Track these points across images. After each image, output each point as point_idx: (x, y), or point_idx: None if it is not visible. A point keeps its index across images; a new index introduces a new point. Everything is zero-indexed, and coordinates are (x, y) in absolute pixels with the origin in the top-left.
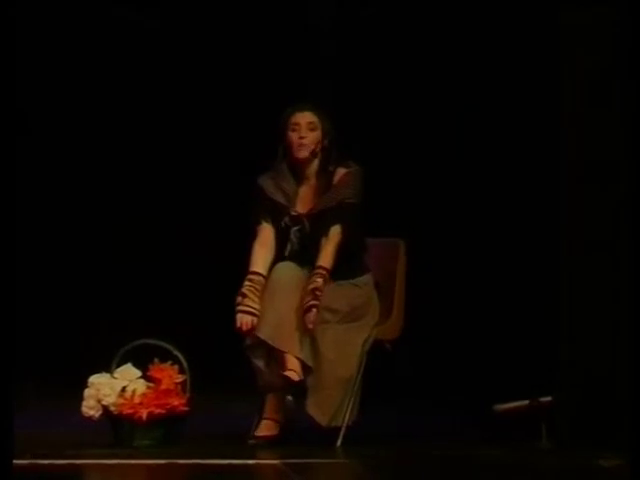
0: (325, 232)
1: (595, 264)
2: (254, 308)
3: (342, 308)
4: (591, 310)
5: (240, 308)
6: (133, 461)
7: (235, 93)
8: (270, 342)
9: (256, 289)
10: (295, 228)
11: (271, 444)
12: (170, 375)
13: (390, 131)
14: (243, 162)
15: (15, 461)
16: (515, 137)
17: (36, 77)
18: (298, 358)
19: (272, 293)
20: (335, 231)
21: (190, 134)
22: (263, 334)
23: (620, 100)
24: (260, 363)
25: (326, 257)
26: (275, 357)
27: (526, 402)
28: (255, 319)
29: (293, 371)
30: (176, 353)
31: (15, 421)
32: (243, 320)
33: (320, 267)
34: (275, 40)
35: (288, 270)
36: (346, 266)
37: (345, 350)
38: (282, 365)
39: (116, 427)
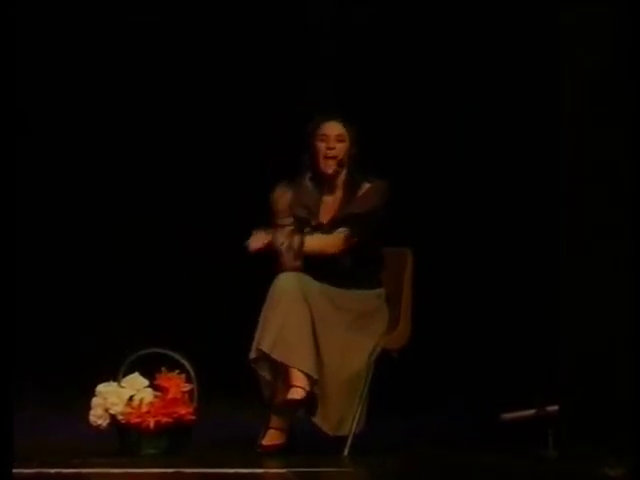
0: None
1: (595, 264)
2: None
3: (353, 310)
4: (592, 310)
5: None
6: (140, 470)
7: (235, 93)
8: (271, 354)
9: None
10: None
11: (278, 453)
12: (177, 384)
13: (391, 133)
14: (243, 162)
15: (22, 470)
16: (515, 138)
17: (36, 77)
18: (302, 371)
19: (275, 303)
20: (345, 241)
21: (190, 134)
22: (264, 346)
23: (620, 100)
24: (266, 375)
25: (316, 240)
26: (280, 371)
27: (533, 411)
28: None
29: (298, 388)
30: (183, 362)
31: (21, 429)
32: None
33: (302, 236)
34: (275, 40)
35: (293, 280)
36: (363, 276)
37: (350, 358)
38: (287, 382)
39: (123, 436)
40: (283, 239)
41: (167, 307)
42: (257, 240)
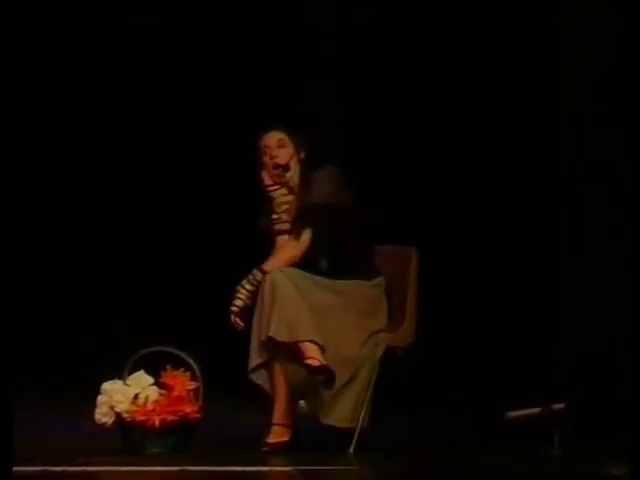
0: (295, 236)
1: (595, 264)
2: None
3: (349, 294)
4: (592, 310)
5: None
6: (145, 468)
7: (235, 93)
8: (276, 337)
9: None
10: None
11: (283, 450)
12: (182, 382)
13: (393, 133)
14: (243, 162)
15: (27, 468)
16: (516, 137)
17: (36, 77)
18: (313, 342)
19: (268, 296)
20: (303, 237)
21: (190, 135)
22: (271, 332)
23: (620, 100)
24: (265, 386)
25: (272, 260)
26: (282, 368)
27: (538, 409)
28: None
29: (312, 358)
30: (188, 360)
31: (23, 429)
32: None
33: (261, 268)
34: (275, 40)
35: (282, 276)
36: (355, 268)
37: (348, 345)
38: (300, 359)
39: (127, 434)
40: (249, 286)
41: (168, 306)
42: (239, 324)
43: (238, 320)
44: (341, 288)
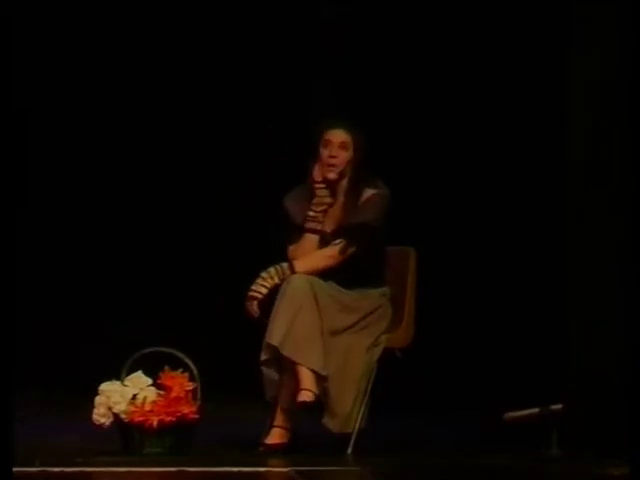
0: (341, 252)
1: (599, 260)
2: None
3: (359, 310)
4: (595, 310)
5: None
6: (143, 469)
7: (237, 94)
8: (281, 350)
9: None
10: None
11: (281, 452)
12: (180, 383)
13: (395, 137)
14: (244, 165)
15: (25, 469)
16: (518, 137)
17: (36, 77)
18: (311, 369)
19: (287, 302)
20: (347, 253)
21: (195, 138)
22: (274, 340)
23: (625, 106)
24: (274, 376)
25: (307, 262)
26: (287, 370)
27: (536, 410)
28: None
29: (308, 391)
30: (187, 361)
31: (24, 429)
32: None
33: (292, 263)
34: (276, 40)
35: (305, 282)
36: (368, 275)
37: (353, 357)
38: (296, 383)
39: (126, 435)
40: (275, 277)
41: (170, 306)
42: (256, 312)
43: (256, 308)
44: (352, 303)
